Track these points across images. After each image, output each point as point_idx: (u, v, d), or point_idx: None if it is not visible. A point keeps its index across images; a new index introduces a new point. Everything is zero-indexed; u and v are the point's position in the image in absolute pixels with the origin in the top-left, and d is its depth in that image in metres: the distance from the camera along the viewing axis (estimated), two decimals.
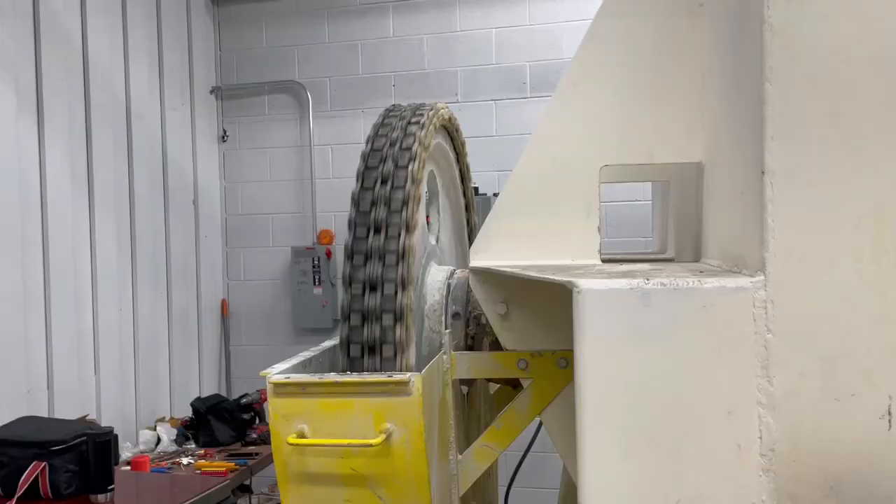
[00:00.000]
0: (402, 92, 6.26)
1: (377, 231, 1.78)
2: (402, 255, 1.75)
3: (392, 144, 1.91)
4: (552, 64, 6.01)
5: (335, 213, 6.42)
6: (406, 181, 1.82)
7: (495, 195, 5.76)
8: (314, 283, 6.33)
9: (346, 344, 1.75)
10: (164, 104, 5.89)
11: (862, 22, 1.30)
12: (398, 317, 1.73)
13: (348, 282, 1.77)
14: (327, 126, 6.44)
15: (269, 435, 5.17)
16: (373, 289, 1.75)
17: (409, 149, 1.89)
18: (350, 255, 1.78)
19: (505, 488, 3.01)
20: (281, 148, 6.55)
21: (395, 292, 1.73)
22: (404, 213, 1.78)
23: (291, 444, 1.61)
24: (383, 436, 1.59)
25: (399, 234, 1.77)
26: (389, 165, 1.86)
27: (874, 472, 1.31)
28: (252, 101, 6.59)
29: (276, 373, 1.67)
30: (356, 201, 1.83)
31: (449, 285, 2.14)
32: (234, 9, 6.61)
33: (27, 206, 4.42)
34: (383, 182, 1.84)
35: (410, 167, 1.85)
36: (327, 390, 1.62)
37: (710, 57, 1.80)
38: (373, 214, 1.80)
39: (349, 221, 1.82)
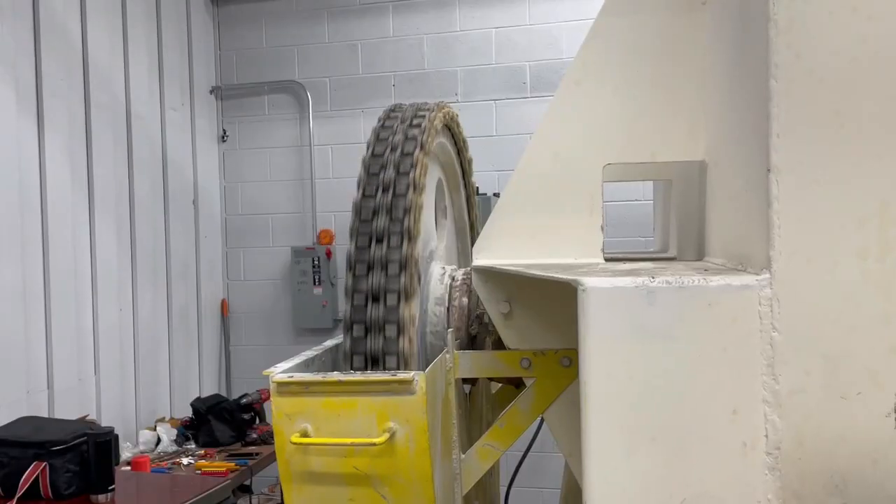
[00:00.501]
0: (401, 92, 6.26)
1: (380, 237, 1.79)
2: (405, 264, 1.75)
3: (393, 149, 1.90)
4: (552, 64, 6.01)
5: (335, 213, 6.41)
6: (408, 189, 1.82)
7: (495, 195, 5.75)
8: (314, 283, 6.33)
9: (350, 354, 1.76)
10: (164, 104, 5.88)
11: (867, 20, 1.30)
12: (401, 318, 1.73)
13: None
14: (327, 126, 6.44)
15: (269, 435, 5.20)
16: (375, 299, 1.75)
17: (410, 154, 1.88)
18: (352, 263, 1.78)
19: (505, 489, 3.01)
20: (281, 148, 6.55)
21: (398, 300, 1.73)
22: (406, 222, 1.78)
23: (295, 444, 1.61)
24: (387, 435, 1.59)
25: (401, 245, 1.77)
26: (391, 172, 1.85)
27: (879, 471, 1.31)
28: (252, 101, 6.59)
29: (280, 372, 1.67)
30: (358, 209, 1.84)
31: (451, 285, 2.13)
32: (234, 9, 6.60)
33: (27, 206, 4.41)
34: (385, 190, 1.84)
35: (412, 174, 1.84)
36: (330, 389, 1.62)
37: (713, 55, 1.80)
38: (374, 223, 1.80)
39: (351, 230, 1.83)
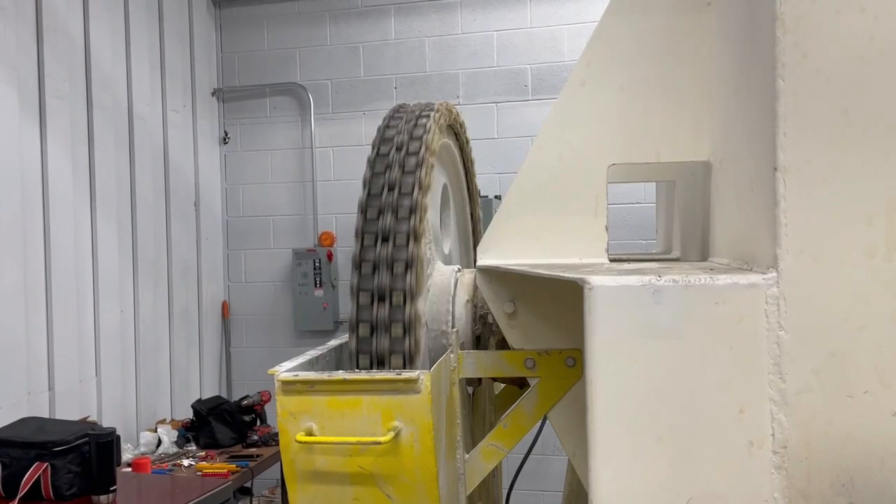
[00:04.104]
0: (403, 94, 6.27)
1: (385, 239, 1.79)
2: (411, 256, 1.75)
3: (398, 149, 1.91)
4: (553, 66, 6.03)
5: (336, 215, 6.42)
6: (413, 188, 1.82)
7: (496, 197, 5.76)
8: (315, 285, 6.33)
9: (356, 353, 1.76)
10: (166, 106, 5.89)
11: (874, 19, 1.30)
12: (407, 296, 1.73)
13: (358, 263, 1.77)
14: (328, 128, 6.45)
15: (270, 437, 5.18)
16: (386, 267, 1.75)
17: (415, 153, 1.89)
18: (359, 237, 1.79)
19: (506, 491, 3.01)
20: (282, 150, 6.55)
21: (405, 292, 1.73)
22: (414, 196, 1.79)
23: (300, 442, 1.60)
24: (392, 434, 1.59)
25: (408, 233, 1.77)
26: (396, 172, 1.86)
27: (887, 470, 1.31)
28: (253, 103, 6.59)
29: (285, 370, 1.67)
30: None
31: (455, 284, 2.13)
32: (236, 11, 6.61)
33: (29, 208, 4.41)
34: (390, 189, 1.84)
35: (418, 173, 1.85)
36: (336, 388, 1.62)
37: (719, 55, 1.80)
38: (384, 198, 1.81)
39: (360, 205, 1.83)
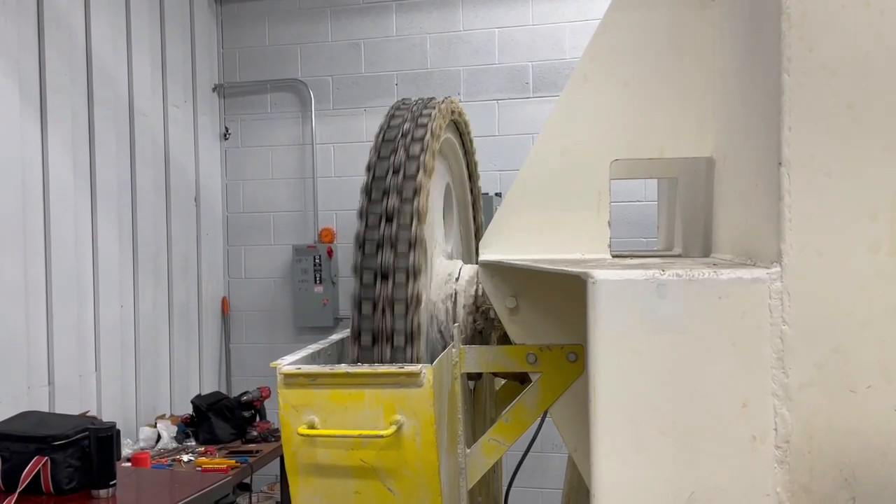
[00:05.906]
0: (404, 91, 6.26)
1: (389, 221, 1.79)
2: (414, 245, 1.75)
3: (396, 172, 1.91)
4: (555, 64, 6.02)
5: (336, 212, 6.42)
6: (417, 170, 1.82)
7: (497, 195, 5.75)
8: (315, 282, 6.33)
9: (357, 333, 1.75)
10: (167, 101, 5.88)
11: (880, 14, 1.30)
12: (409, 305, 1.72)
13: (359, 271, 1.76)
14: (329, 124, 6.44)
15: (269, 433, 5.16)
16: (384, 277, 1.74)
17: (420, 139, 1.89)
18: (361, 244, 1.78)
19: (505, 489, 3.00)
20: (283, 146, 6.55)
21: (407, 280, 1.73)
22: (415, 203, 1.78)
23: (302, 435, 1.60)
24: (394, 427, 1.58)
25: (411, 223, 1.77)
26: (401, 155, 1.86)
27: (889, 464, 1.31)
28: (254, 99, 6.59)
29: (287, 364, 1.66)
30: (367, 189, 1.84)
31: (457, 279, 2.13)
32: (237, 7, 6.60)
33: (29, 203, 4.40)
34: (395, 172, 1.84)
35: (422, 157, 1.85)
36: (338, 381, 1.62)
37: (723, 50, 1.80)
38: (384, 203, 1.80)
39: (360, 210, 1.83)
